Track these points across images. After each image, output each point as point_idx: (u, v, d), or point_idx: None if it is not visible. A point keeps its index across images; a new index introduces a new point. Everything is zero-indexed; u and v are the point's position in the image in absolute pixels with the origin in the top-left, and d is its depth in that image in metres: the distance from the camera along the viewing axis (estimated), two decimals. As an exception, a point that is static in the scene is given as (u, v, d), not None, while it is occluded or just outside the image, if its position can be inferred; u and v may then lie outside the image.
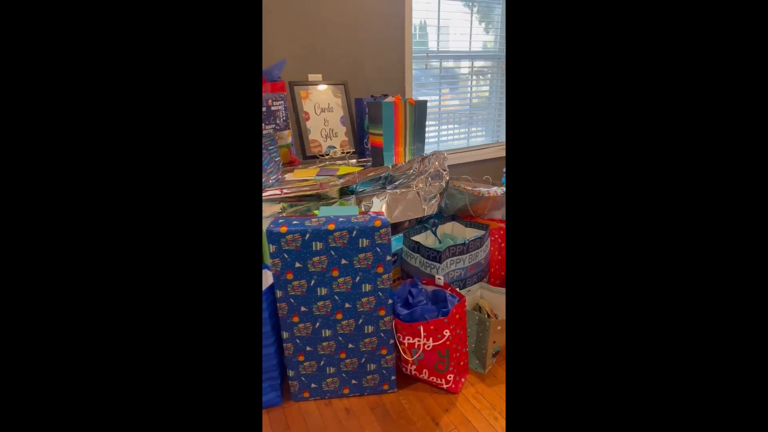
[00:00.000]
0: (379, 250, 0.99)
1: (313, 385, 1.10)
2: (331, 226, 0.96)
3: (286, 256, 0.97)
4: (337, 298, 1.02)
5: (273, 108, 1.21)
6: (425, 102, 1.52)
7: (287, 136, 1.57)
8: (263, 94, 1.25)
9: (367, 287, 1.02)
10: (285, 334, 1.04)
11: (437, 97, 2.18)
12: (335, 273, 1.00)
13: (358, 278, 1.01)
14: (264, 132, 1.17)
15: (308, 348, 1.06)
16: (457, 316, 1.07)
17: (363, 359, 1.08)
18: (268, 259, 1.15)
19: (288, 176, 1.42)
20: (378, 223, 0.97)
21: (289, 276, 0.99)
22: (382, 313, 1.05)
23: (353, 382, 1.11)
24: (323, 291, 1.01)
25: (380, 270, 1.00)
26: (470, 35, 2.17)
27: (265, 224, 1.23)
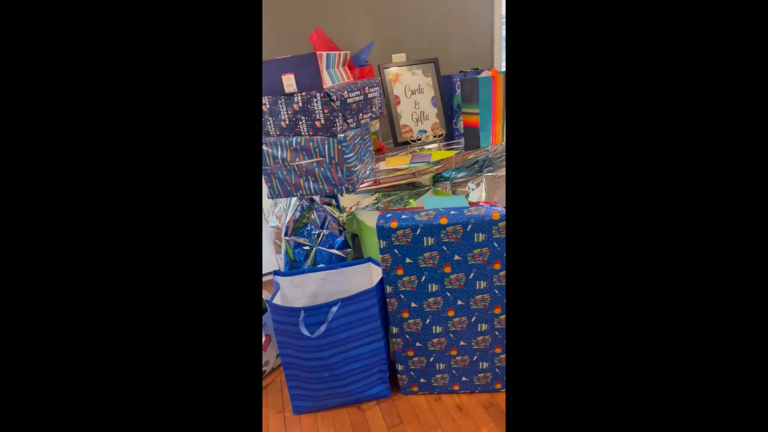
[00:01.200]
0: (496, 245, 0.91)
1: (422, 380, 1.08)
2: (443, 220, 0.90)
3: (397, 251, 0.94)
4: (449, 295, 0.97)
5: (369, 95, 1.16)
6: (527, 73, 1.36)
7: (375, 123, 1.53)
8: (358, 81, 1.21)
9: (482, 284, 0.95)
10: (394, 329, 1.03)
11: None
12: (447, 269, 0.94)
13: (472, 275, 0.94)
14: (362, 121, 1.14)
15: (418, 344, 1.03)
16: (583, 316, 0.96)
17: (475, 357, 1.03)
18: (377, 255, 1.13)
19: (381, 165, 1.38)
20: (496, 216, 0.89)
21: (400, 272, 0.96)
22: (498, 311, 0.98)
23: (464, 379, 1.07)
24: (434, 287, 0.96)
25: (497, 266, 0.93)
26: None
27: (370, 217, 1.21)
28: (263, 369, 1.22)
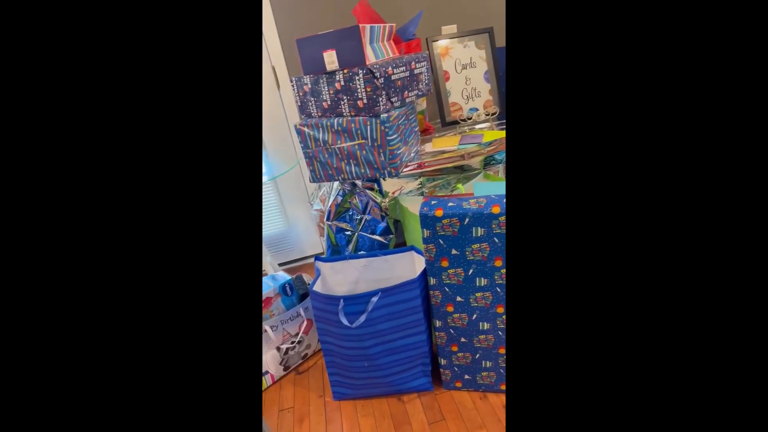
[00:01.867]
0: (556, 238, 0.80)
1: (466, 377, 1.02)
2: (496, 209, 0.81)
3: (442, 242, 0.87)
4: (499, 290, 0.89)
5: (416, 71, 1.07)
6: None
7: (422, 102, 1.44)
8: (404, 56, 1.12)
9: (537, 280, 0.85)
10: (437, 323, 0.97)
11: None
12: (498, 263, 0.86)
13: (526, 269, 0.85)
14: (407, 100, 1.06)
15: (463, 339, 0.97)
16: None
17: (526, 358, 0.95)
18: (420, 242, 1.07)
19: (426, 146, 1.30)
20: (557, 206, 0.78)
21: (444, 263, 0.89)
22: (555, 310, 0.88)
23: (512, 379, 0.99)
24: (483, 281, 0.89)
25: (556, 261, 0.83)
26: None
27: (413, 203, 1.15)
28: (305, 352, 1.23)
